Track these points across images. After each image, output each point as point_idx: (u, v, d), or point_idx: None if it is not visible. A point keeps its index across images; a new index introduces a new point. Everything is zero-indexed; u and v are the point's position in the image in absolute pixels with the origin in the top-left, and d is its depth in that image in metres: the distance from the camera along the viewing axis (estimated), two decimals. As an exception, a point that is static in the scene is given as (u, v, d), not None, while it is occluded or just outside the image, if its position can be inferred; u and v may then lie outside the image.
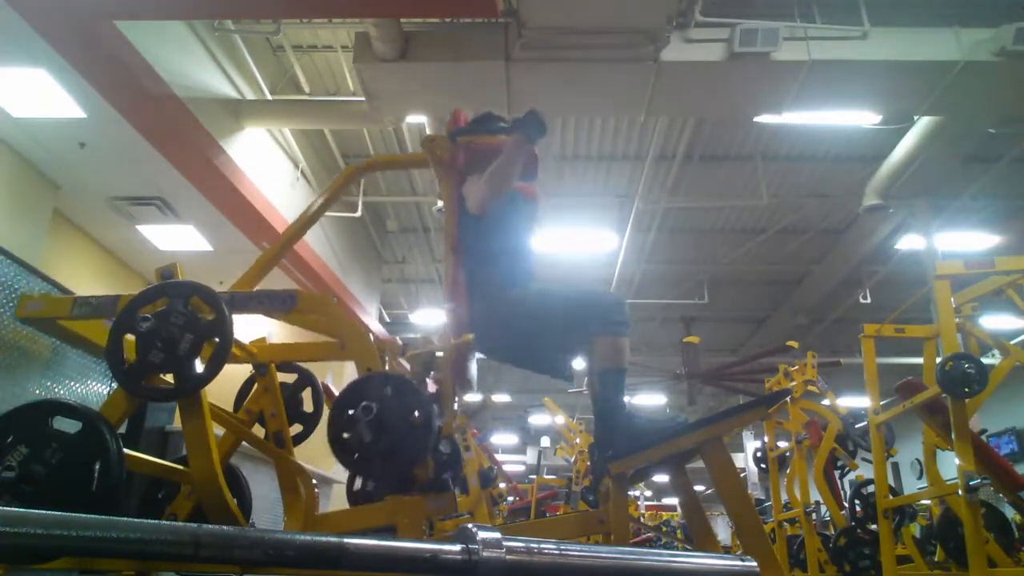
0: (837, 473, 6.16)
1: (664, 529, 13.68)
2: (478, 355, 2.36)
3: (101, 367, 2.89)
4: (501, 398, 14.79)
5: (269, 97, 6.22)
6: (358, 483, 3.12)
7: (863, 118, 6.20)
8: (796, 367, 6.29)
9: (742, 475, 12.84)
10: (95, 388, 2.96)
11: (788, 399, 6.06)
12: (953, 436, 3.41)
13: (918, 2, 5.58)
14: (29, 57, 4.35)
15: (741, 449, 14.89)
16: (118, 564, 1.81)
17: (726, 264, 9.78)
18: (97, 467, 1.86)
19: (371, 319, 9.27)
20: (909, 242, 8.25)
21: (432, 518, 2.20)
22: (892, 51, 5.23)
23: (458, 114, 2.58)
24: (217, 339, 2.02)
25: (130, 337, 2.00)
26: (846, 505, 5.83)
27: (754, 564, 1.13)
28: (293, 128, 6.70)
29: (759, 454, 7.74)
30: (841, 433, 5.83)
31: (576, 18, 4.81)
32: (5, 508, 0.72)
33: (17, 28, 4.02)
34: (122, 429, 2.36)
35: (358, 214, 7.73)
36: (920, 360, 4.48)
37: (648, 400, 14.66)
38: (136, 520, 0.78)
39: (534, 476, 11.00)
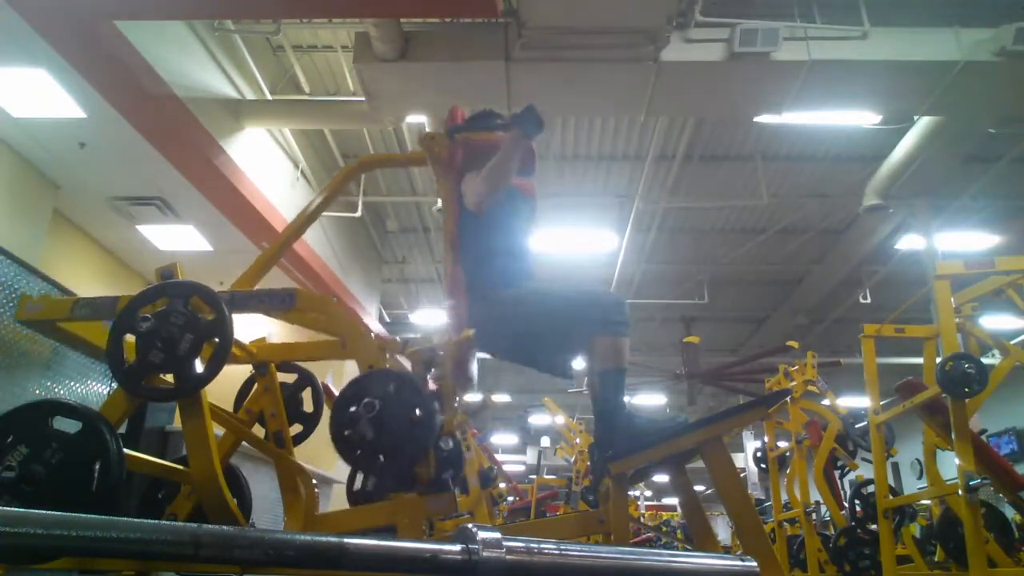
0: (837, 473, 6.16)
1: (664, 529, 13.68)
2: (479, 353, 2.36)
3: (101, 367, 2.89)
4: (501, 398, 14.79)
5: (269, 97, 6.22)
6: (358, 483, 3.12)
7: (863, 118, 6.20)
8: (796, 367, 6.29)
9: (742, 475, 12.84)
10: (95, 388, 2.96)
11: (788, 399, 6.06)
12: (953, 436, 3.41)
13: (918, 2, 5.58)
14: (29, 57, 4.35)
15: (741, 449, 14.90)
16: (118, 564, 1.81)
17: (726, 264, 9.78)
18: (97, 467, 1.86)
19: (371, 319, 9.27)
20: (909, 242, 8.25)
21: (432, 518, 2.20)
22: (892, 51, 5.23)
23: (455, 111, 2.57)
24: (217, 339, 2.02)
25: (130, 337, 2.00)
26: (846, 505, 5.83)
27: (754, 564, 1.13)
28: (293, 128, 6.70)
29: (759, 454, 7.74)
30: (841, 433, 5.83)
31: (576, 18, 4.81)
32: (5, 508, 0.72)
33: (17, 28, 4.02)
34: (122, 429, 2.36)
35: (358, 214, 7.73)
36: (920, 360, 4.48)
37: (648, 400, 14.66)
38: (136, 520, 0.78)
39: (534, 476, 11.00)
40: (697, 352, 10.67)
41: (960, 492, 3.30)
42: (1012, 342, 4.14)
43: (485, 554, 0.87)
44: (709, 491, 16.09)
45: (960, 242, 8.15)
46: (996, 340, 4.07)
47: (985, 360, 3.57)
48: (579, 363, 2.30)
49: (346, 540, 0.85)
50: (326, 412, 3.05)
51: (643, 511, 15.81)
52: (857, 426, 5.90)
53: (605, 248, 8.83)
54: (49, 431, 1.90)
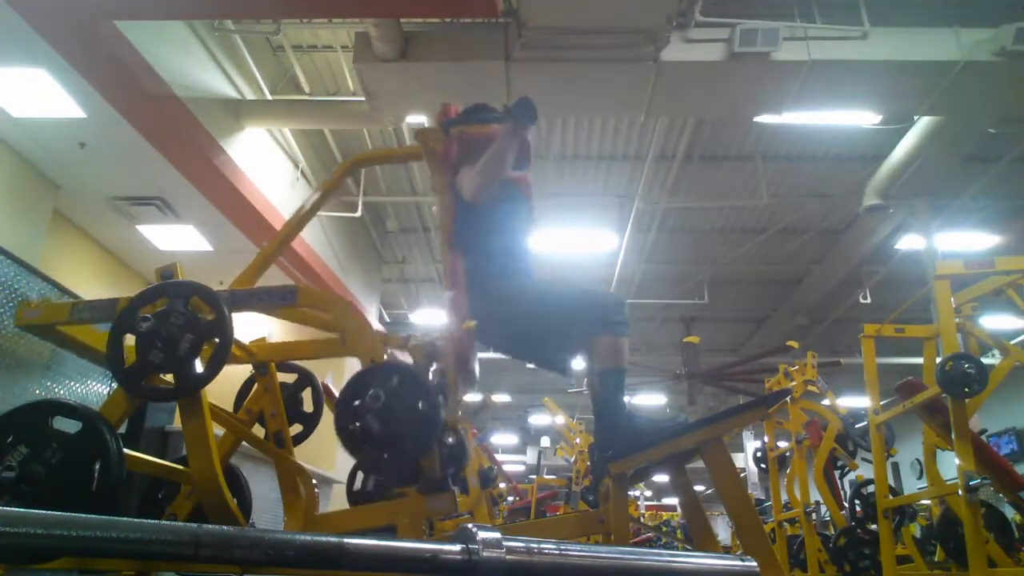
0: (837, 473, 6.16)
1: (664, 529, 13.68)
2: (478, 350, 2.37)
3: (101, 367, 2.89)
4: (501, 398, 14.79)
5: (269, 97, 6.22)
6: (358, 483, 3.12)
7: (863, 118, 6.20)
8: (796, 367, 6.29)
9: (742, 475, 12.84)
10: (95, 388, 2.96)
11: (788, 399, 6.06)
12: (953, 436, 3.41)
13: (918, 2, 5.58)
14: (29, 57, 4.35)
15: (741, 449, 14.90)
16: (118, 564, 1.81)
17: (726, 264, 9.78)
18: (97, 467, 1.86)
19: (371, 319, 9.28)
20: (909, 242, 8.25)
21: (432, 518, 2.20)
22: (892, 51, 5.23)
23: (448, 107, 2.57)
24: (217, 339, 2.02)
25: (130, 337, 2.00)
26: (846, 505, 5.83)
27: (754, 564, 1.13)
28: (293, 128, 6.70)
29: (759, 454, 7.75)
30: (841, 433, 5.83)
31: (576, 18, 4.81)
32: (5, 508, 0.72)
33: (17, 28, 4.02)
34: (122, 429, 2.36)
35: (358, 214, 7.73)
36: (920, 360, 4.48)
37: (648, 400, 14.67)
38: (136, 520, 0.78)
39: (534, 476, 11.00)
40: (697, 352, 10.67)
41: (960, 492, 3.30)
42: (1012, 342, 4.14)
43: (485, 554, 0.87)
44: (709, 491, 16.09)
45: (960, 242, 8.15)
46: (996, 340, 4.07)
47: (985, 360, 3.57)
48: (579, 363, 2.30)
49: (346, 540, 0.85)
50: (326, 412, 3.06)
51: (643, 511, 15.81)
52: (857, 426, 5.90)
53: (605, 248, 8.83)
54: (49, 431, 1.90)
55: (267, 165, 6.38)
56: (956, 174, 7.30)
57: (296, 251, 6.70)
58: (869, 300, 9.96)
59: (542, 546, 0.93)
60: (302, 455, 2.85)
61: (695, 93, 5.60)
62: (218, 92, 5.61)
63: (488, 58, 5.16)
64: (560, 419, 9.65)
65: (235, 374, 2.61)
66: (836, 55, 5.21)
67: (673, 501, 18.32)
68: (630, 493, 2.46)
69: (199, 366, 1.99)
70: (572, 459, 9.23)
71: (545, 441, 14.05)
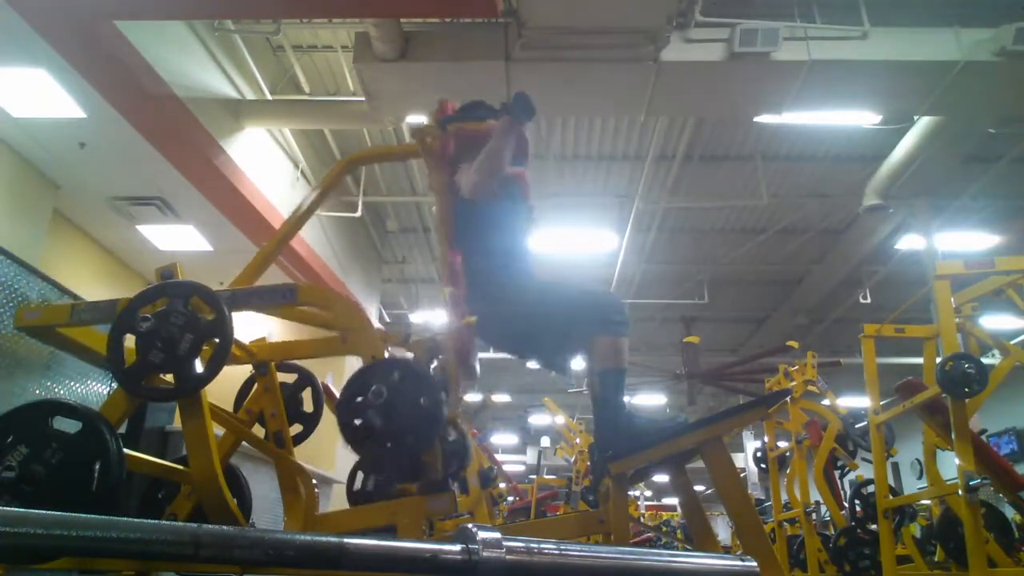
0: (837, 473, 6.16)
1: (664, 529, 13.68)
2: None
3: (101, 369, 2.89)
4: (501, 398, 14.79)
5: (269, 97, 6.22)
6: (358, 483, 3.12)
7: (863, 118, 6.20)
8: (796, 367, 6.29)
9: (742, 475, 12.84)
10: (95, 388, 2.96)
11: (788, 399, 6.06)
12: (953, 436, 3.41)
13: (918, 2, 5.58)
14: (29, 57, 4.35)
15: (741, 449, 14.90)
16: (118, 564, 1.81)
17: (726, 264, 9.78)
18: (97, 467, 1.86)
19: (371, 318, 9.27)
20: (909, 242, 8.25)
21: (432, 518, 2.20)
22: (892, 51, 5.24)
23: (445, 104, 2.57)
24: (217, 339, 2.02)
25: (130, 337, 2.00)
26: (846, 505, 5.83)
27: (754, 564, 1.13)
28: (293, 128, 6.70)
29: (759, 454, 7.74)
30: (841, 433, 5.83)
31: (576, 18, 4.81)
32: (5, 508, 0.72)
33: (17, 28, 4.02)
34: (122, 429, 2.36)
35: (358, 214, 7.73)
36: (920, 360, 4.49)
37: (648, 400, 14.67)
38: (136, 520, 0.78)
39: (534, 476, 11.00)
40: (697, 352, 10.67)
41: (960, 492, 3.30)
42: (1012, 342, 4.14)
43: (485, 554, 0.87)
44: (709, 491, 16.09)
45: (960, 242, 8.15)
46: (996, 340, 4.07)
47: (985, 360, 3.57)
48: (579, 363, 2.31)
49: (346, 540, 0.85)
50: (327, 413, 3.06)
51: (643, 511, 15.81)
52: (857, 426, 5.90)
53: (605, 248, 8.83)
54: (49, 431, 1.90)
55: (267, 165, 6.38)
56: (956, 174, 7.30)
57: (296, 251, 6.70)
58: (869, 300, 9.96)
59: (542, 546, 0.93)
60: (302, 455, 2.85)
61: (695, 93, 5.61)
62: (218, 92, 5.61)
63: (488, 58, 5.16)
64: (560, 419, 9.65)
65: (235, 374, 2.61)
66: (836, 55, 5.21)
67: (673, 501, 18.33)
68: (630, 493, 2.46)
69: (199, 366, 1.99)
70: (572, 459, 9.22)
71: (545, 441, 14.05)
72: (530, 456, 17.60)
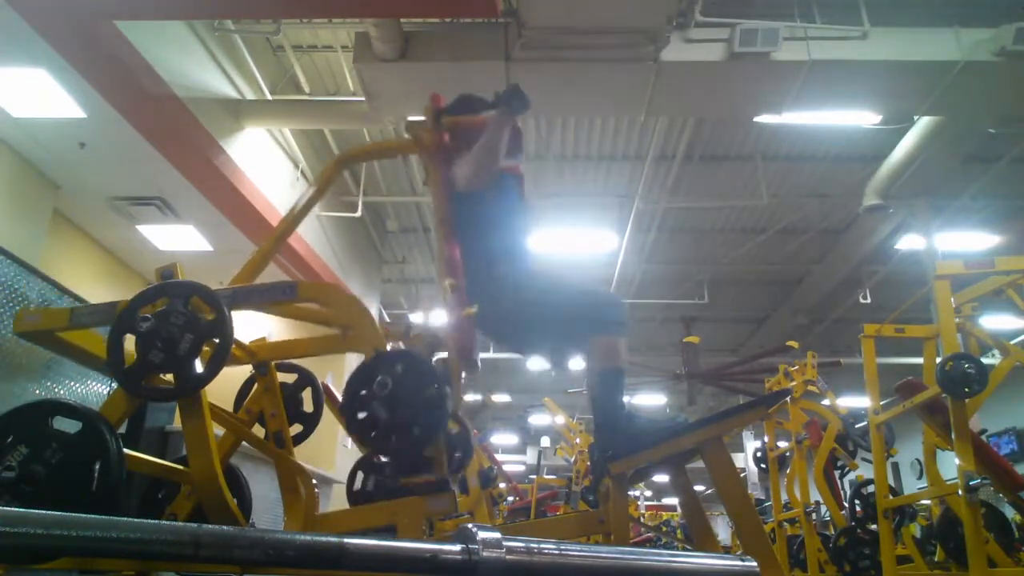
0: (837, 473, 6.16)
1: (664, 529, 13.68)
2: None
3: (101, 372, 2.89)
4: (501, 398, 14.79)
5: (269, 97, 6.22)
6: (358, 483, 3.12)
7: (863, 118, 6.20)
8: (796, 367, 6.29)
9: (742, 475, 12.84)
10: (95, 388, 2.96)
11: (788, 399, 6.06)
12: (953, 436, 3.41)
13: (918, 2, 5.58)
14: (29, 57, 4.35)
15: (741, 449, 14.89)
16: (118, 564, 1.81)
17: (726, 264, 9.78)
18: (97, 467, 1.86)
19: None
20: (909, 242, 8.25)
21: (432, 518, 2.20)
22: (892, 51, 5.23)
23: (437, 98, 2.56)
24: (217, 339, 2.01)
25: (130, 337, 2.00)
26: (846, 505, 5.83)
27: (754, 564, 1.13)
28: (293, 128, 6.70)
29: (759, 454, 7.74)
30: (841, 433, 5.83)
31: (576, 18, 4.81)
32: (5, 508, 0.72)
33: (17, 28, 4.02)
34: (122, 429, 2.36)
35: (358, 214, 7.72)
36: (920, 360, 4.49)
37: (648, 400, 14.66)
38: (136, 520, 0.78)
39: (534, 476, 11.00)
40: (697, 352, 10.66)
41: (960, 492, 3.30)
42: (1012, 342, 4.14)
43: (485, 554, 0.87)
44: (709, 491, 16.09)
45: (960, 242, 8.15)
46: (996, 340, 4.07)
47: (985, 360, 3.57)
48: (579, 363, 2.31)
49: (346, 540, 0.85)
50: (327, 412, 3.06)
51: (643, 511, 15.81)
52: (857, 426, 5.90)
53: (605, 248, 8.83)
54: (49, 431, 1.90)
55: (267, 165, 6.38)
56: (956, 174, 7.30)
57: (296, 251, 6.69)
58: (869, 300, 9.96)
59: (542, 546, 0.93)
60: (302, 455, 2.85)
61: (695, 93, 5.61)
62: (218, 92, 5.61)
63: (488, 58, 5.16)
64: (560, 419, 9.64)
65: (235, 374, 2.61)
66: (836, 55, 5.21)
67: (673, 501, 18.32)
68: (630, 493, 2.46)
69: (199, 366, 1.99)
70: (572, 459, 9.22)
71: (545, 441, 14.05)
72: (530, 456, 17.60)
